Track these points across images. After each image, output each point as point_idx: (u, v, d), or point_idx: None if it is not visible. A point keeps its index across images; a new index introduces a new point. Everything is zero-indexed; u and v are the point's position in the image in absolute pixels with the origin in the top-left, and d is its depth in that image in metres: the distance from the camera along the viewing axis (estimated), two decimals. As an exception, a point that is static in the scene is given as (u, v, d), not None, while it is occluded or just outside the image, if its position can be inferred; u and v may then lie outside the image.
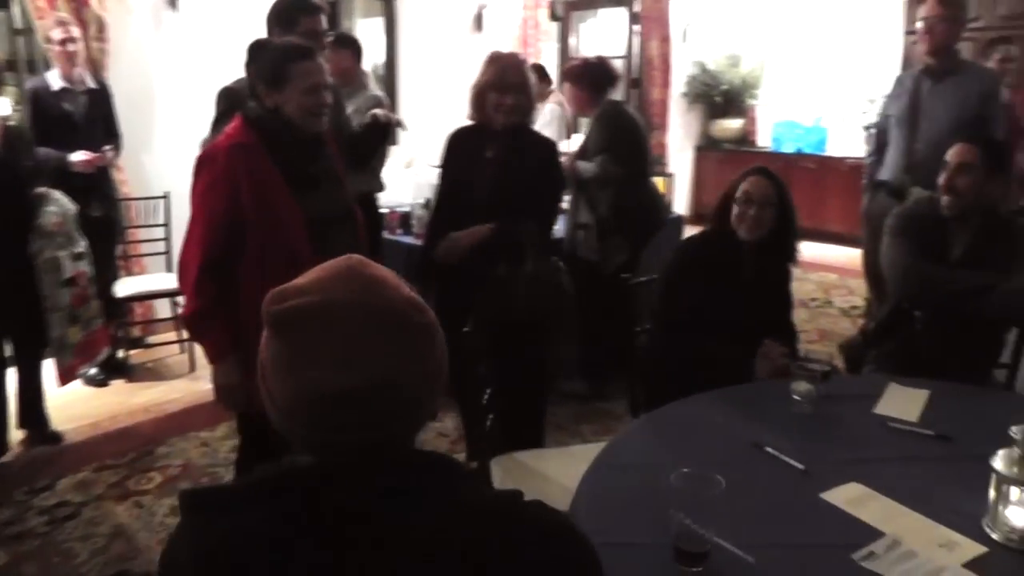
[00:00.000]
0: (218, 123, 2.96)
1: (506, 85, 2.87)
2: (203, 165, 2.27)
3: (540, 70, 5.38)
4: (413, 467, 0.93)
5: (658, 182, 4.89)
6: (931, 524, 1.58)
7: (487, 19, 6.62)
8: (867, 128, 4.20)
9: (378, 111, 2.88)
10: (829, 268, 6.86)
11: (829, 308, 5.94)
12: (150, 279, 4.70)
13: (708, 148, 9.23)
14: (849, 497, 1.68)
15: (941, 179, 2.65)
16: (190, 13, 5.11)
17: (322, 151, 2.41)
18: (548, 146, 3.10)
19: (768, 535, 1.52)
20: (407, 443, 0.96)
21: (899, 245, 2.73)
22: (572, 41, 8.22)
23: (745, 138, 9.19)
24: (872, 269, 3.99)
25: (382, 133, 2.98)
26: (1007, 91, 4.54)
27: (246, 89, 2.45)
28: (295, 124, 2.27)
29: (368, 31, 6.04)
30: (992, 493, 1.56)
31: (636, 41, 8.03)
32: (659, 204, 4.52)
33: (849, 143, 8.13)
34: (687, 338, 2.56)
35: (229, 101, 2.96)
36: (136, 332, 4.88)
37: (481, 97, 2.93)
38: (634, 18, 7.97)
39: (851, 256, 6.24)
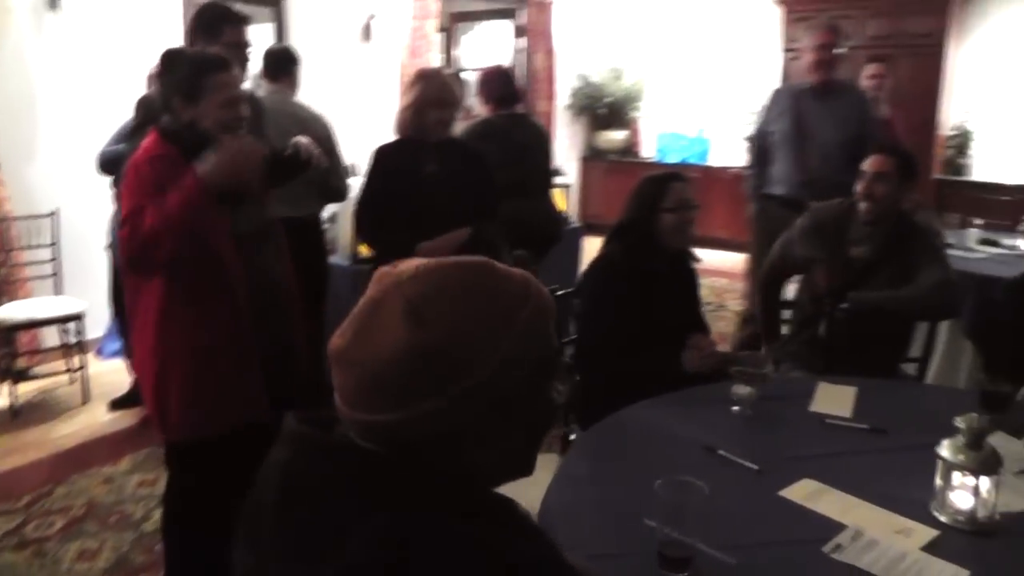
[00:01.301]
0: (135, 133, 2.97)
1: (446, 101, 3.06)
2: (130, 171, 2.24)
3: None
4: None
5: (556, 193, 5.04)
6: (885, 513, 1.72)
7: (376, 29, 6.62)
8: (748, 140, 4.45)
9: (301, 142, 2.87)
10: (718, 273, 7.17)
11: (724, 311, 6.22)
12: (37, 304, 4.46)
13: (593, 159, 9.51)
14: (805, 493, 1.81)
15: (859, 186, 2.87)
16: (73, 14, 4.87)
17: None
18: (478, 153, 3.31)
19: (740, 535, 1.62)
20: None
21: (813, 250, 2.95)
22: (456, 53, 8.31)
23: (629, 149, 9.52)
24: (755, 275, 4.22)
25: (298, 167, 2.98)
26: (886, 108, 4.92)
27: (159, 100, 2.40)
28: (212, 138, 2.24)
29: (257, 38, 5.97)
30: (939, 480, 1.71)
31: (521, 54, 8.18)
32: (555, 216, 4.66)
33: (731, 153, 8.53)
34: (621, 348, 2.66)
35: (147, 111, 2.90)
36: (22, 363, 4.61)
37: (420, 114, 3.05)
38: (519, 31, 8.13)
39: (737, 261, 6.56)
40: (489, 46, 8.43)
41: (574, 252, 5.36)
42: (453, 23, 7.68)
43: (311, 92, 4.74)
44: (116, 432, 4.01)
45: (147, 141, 2.27)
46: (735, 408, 2.25)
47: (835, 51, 4.05)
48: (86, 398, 4.41)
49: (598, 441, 2.15)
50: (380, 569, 0.87)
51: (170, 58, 2.38)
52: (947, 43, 7.44)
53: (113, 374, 4.61)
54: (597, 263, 2.87)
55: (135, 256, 2.19)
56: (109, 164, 3.88)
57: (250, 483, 1.04)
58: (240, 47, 2.91)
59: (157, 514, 3.13)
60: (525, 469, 1.07)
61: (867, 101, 4.25)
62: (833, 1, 7.76)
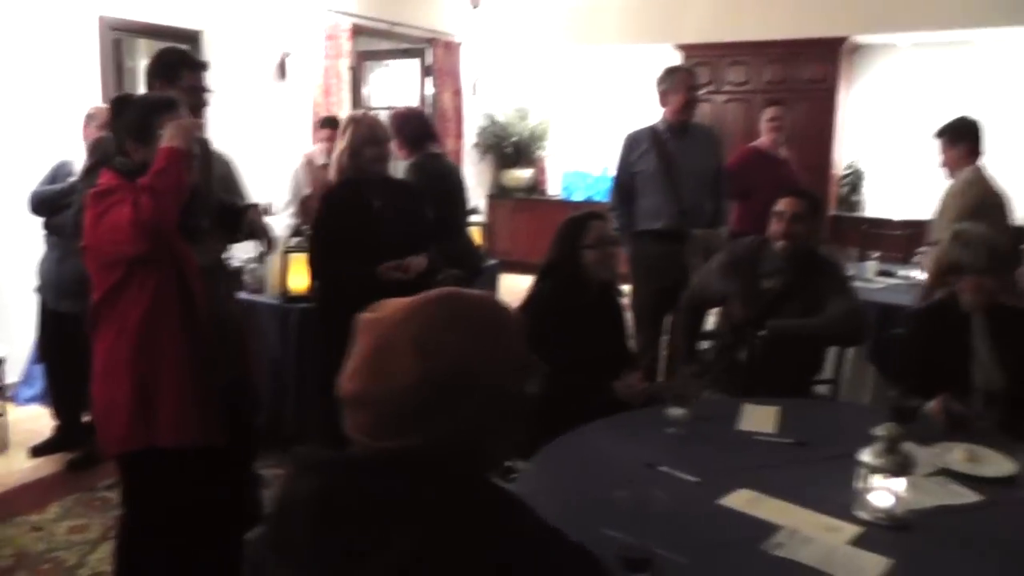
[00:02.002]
0: (87, 174, 3.07)
1: (378, 138, 3.34)
2: (91, 199, 2.34)
3: (333, 121, 5.59)
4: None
5: (474, 231, 5.26)
6: (814, 514, 1.94)
7: (290, 68, 6.73)
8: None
9: (255, 218, 3.02)
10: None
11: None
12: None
13: (500, 197, 9.78)
14: (742, 500, 2.02)
15: (776, 226, 3.18)
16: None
17: (196, 204, 2.52)
18: (416, 187, 3.72)
19: (690, 539, 1.81)
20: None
21: (729, 283, 3.22)
22: (365, 92, 8.46)
23: (535, 187, 9.84)
24: (638, 310, 4.53)
25: (242, 233, 3.11)
26: (784, 149, 5.31)
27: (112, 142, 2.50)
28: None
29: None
30: (860, 482, 1.95)
31: (429, 93, 8.39)
32: (474, 252, 4.87)
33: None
34: (556, 379, 2.85)
35: (101, 154, 2.99)
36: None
37: (356, 154, 3.31)
38: (427, 70, 8.34)
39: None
40: (397, 85, 8.61)
41: (491, 288, 5.55)
42: (361, 62, 7.83)
43: (226, 130, 4.84)
44: (40, 479, 3.94)
45: (103, 179, 2.37)
46: (670, 429, 2.46)
47: (695, 95, 4.48)
48: (5, 445, 4.32)
49: (545, 466, 2.29)
50: (421, 567, 1.06)
51: (120, 102, 2.49)
52: (838, 88, 8.02)
53: (30, 421, 4.53)
54: (528, 302, 3.06)
55: (148, 219, 2.27)
56: (43, 205, 3.90)
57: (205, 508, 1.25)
58: (198, 91, 3.02)
59: (92, 560, 3.18)
60: (522, 452, 1.30)
61: (719, 138, 4.70)
62: (729, 48, 8.29)
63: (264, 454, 3.38)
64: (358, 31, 7.29)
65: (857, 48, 8.44)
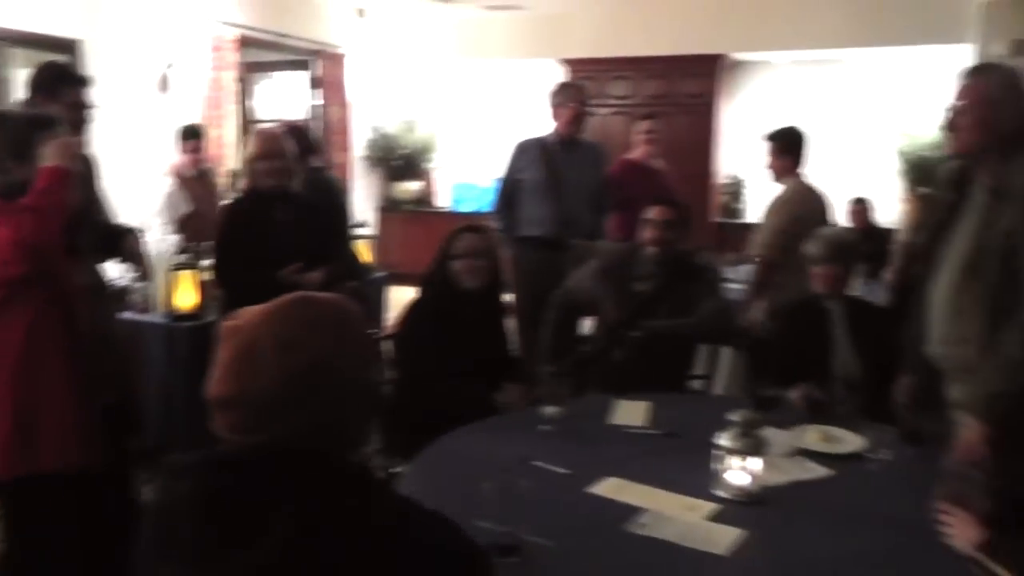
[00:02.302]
0: None
1: (270, 153, 3.50)
2: None
3: (196, 132, 5.54)
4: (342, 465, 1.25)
5: (362, 244, 5.31)
6: (676, 496, 2.06)
7: (173, 80, 6.61)
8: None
9: (133, 244, 3.05)
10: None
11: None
12: None
13: (390, 209, 9.79)
14: (609, 488, 2.12)
15: (648, 233, 3.33)
16: None
17: (79, 223, 2.49)
18: (316, 202, 3.85)
19: (557, 525, 1.90)
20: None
21: (602, 287, 3.38)
22: (251, 104, 8.39)
23: (425, 199, 9.90)
24: (519, 315, 4.62)
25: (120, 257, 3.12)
26: (660, 160, 5.51)
27: None
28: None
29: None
30: (718, 464, 2.07)
31: (316, 105, 8.37)
32: (357, 265, 4.93)
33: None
34: (435, 385, 2.93)
35: None
36: None
37: (252, 168, 3.50)
38: (314, 82, 8.32)
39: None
40: (284, 97, 8.57)
41: (379, 300, 5.58)
42: (248, 73, 7.77)
43: (110, 145, 4.75)
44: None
45: None
46: (544, 427, 2.55)
47: (585, 109, 4.67)
48: None
49: (424, 467, 2.34)
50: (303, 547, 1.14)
51: None
52: (717, 102, 8.35)
53: None
54: (409, 309, 3.17)
55: (30, 240, 2.26)
56: None
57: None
58: (80, 107, 2.98)
59: None
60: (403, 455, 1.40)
61: (605, 154, 4.91)
62: (612, 63, 8.55)
63: (153, 476, 3.34)
64: (245, 42, 7.20)
65: (736, 64, 8.81)
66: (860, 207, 6.06)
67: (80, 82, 3.05)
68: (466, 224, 3.23)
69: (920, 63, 7.73)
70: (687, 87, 8.41)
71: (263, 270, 3.35)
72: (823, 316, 3.06)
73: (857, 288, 3.35)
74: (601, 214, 4.71)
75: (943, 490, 1.89)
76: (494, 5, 8.36)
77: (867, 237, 5.68)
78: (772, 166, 4.32)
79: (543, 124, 4.72)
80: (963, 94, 2.35)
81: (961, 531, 1.78)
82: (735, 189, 8.83)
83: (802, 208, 4.10)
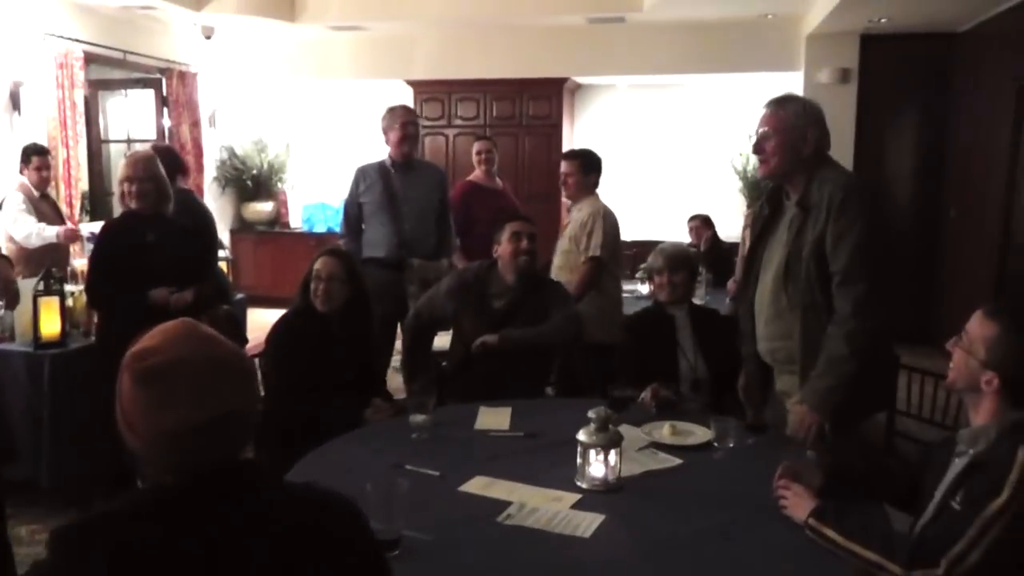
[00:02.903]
0: None
1: (134, 176, 3.65)
2: None
3: (41, 150, 5.41)
4: (245, 472, 1.29)
5: (223, 266, 5.29)
6: (541, 490, 2.24)
7: (25, 97, 6.37)
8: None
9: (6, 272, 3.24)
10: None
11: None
12: None
13: (242, 231, 9.67)
14: (479, 485, 2.29)
15: (515, 245, 3.50)
16: None
17: None
18: (188, 225, 4.06)
19: (431, 520, 2.03)
20: (241, 456, 1.31)
21: (459, 304, 3.57)
22: (102, 122, 8.14)
23: (277, 220, 9.82)
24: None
25: None
26: (497, 179, 5.74)
27: None
28: None
29: None
30: (579, 459, 2.26)
31: (167, 125, 8.21)
32: (227, 290, 4.93)
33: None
34: (304, 399, 3.02)
35: None
36: None
37: (121, 190, 3.68)
38: (163, 101, 8.15)
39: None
40: (135, 116, 8.35)
41: (241, 322, 5.54)
42: (96, 91, 7.53)
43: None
44: None
45: None
46: (414, 435, 2.69)
47: (416, 130, 4.81)
48: None
49: (305, 475, 2.36)
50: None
51: None
52: (563, 123, 8.69)
53: None
54: (277, 326, 3.28)
55: None
56: None
57: None
58: None
59: None
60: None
61: (443, 173, 5.12)
62: (457, 84, 8.78)
63: (20, 508, 3.32)
64: (90, 59, 7.00)
65: (579, 87, 9.21)
66: (697, 223, 6.43)
67: None
68: (328, 248, 3.35)
69: (756, 87, 8.31)
70: (532, 109, 8.71)
71: (136, 289, 3.52)
72: (668, 322, 3.35)
73: (701, 298, 3.66)
74: (444, 233, 4.85)
75: (780, 469, 2.14)
76: (338, 26, 8.43)
77: (708, 251, 6.07)
78: (572, 185, 4.51)
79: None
80: (765, 121, 2.72)
81: (796, 503, 2.02)
82: (582, 208, 9.19)
83: (612, 225, 4.42)
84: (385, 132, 4.73)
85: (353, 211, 4.79)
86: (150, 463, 1.25)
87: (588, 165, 4.55)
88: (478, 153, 5.67)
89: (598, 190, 4.59)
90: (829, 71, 7.48)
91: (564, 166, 4.52)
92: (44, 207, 5.32)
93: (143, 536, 1.19)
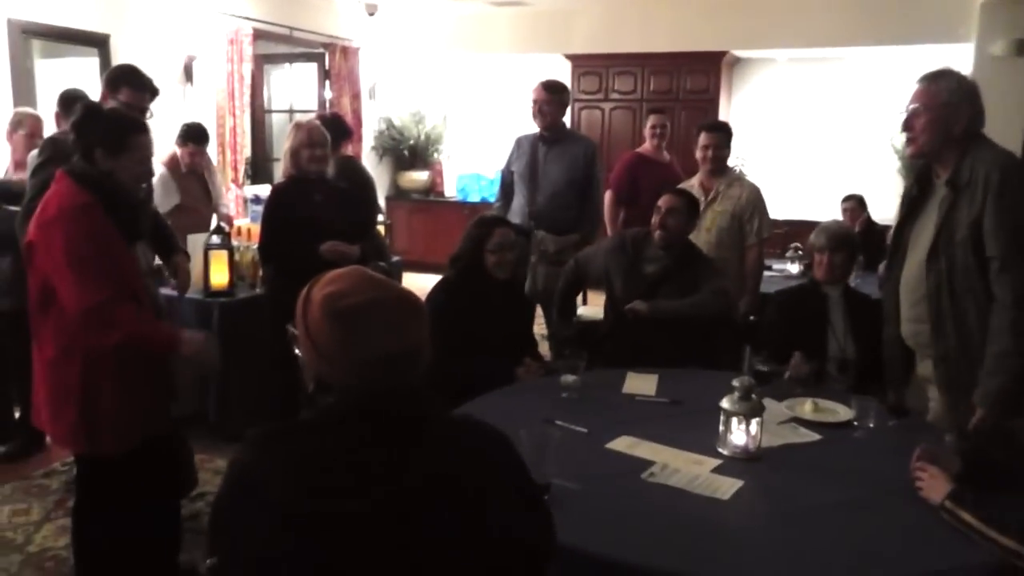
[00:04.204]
0: (40, 169, 3.31)
1: (315, 142, 3.93)
2: (60, 222, 2.51)
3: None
4: (421, 397, 1.47)
5: (382, 230, 5.58)
6: (684, 453, 2.36)
7: (197, 71, 6.92)
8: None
9: (182, 264, 3.45)
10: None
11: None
12: None
13: (398, 199, 10.10)
14: (625, 444, 2.43)
15: (655, 219, 3.62)
16: None
17: (144, 213, 2.81)
18: (349, 187, 4.36)
19: (578, 472, 2.18)
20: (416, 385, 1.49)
21: (614, 263, 3.74)
22: (266, 95, 8.65)
23: (432, 189, 10.19)
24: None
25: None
26: (666, 153, 5.79)
27: (69, 143, 2.69)
28: (125, 189, 2.65)
29: (80, 74, 6.10)
30: (721, 426, 2.37)
31: (328, 97, 8.64)
32: (385, 250, 5.21)
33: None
34: (464, 359, 3.22)
35: (54, 151, 3.24)
36: None
37: (296, 156, 3.93)
38: (325, 74, 8.59)
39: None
40: (296, 89, 8.83)
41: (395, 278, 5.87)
42: (262, 65, 8.03)
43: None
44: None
45: (63, 186, 2.56)
46: (564, 394, 2.85)
47: (555, 106, 4.83)
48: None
49: None
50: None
51: (93, 111, 2.69)
52: (720, 98, 8.62)
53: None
54: (439, 285, 3.45)
55: (92, 329, 2.52)
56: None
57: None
58: (132, 109, 3.22)
59: (38, 538, 3.48)
60: None
61: (593, 147, 5.06)
62: (615, 58, 8.83)
63: (191, 440, 3.72)
64: (258, 35, 7.50)
65: (737, 61, 9.08)
66: (852, 204, 6.30)
67: (140, 86, 3.34)
68: (494, 217, 3.57)
69: (920, 62, 7.97)
70: (690, 83, 8.67)
71: (306, 245, 3.79)
72: (822, 301, 3.38)
73: (852, 281, 3.65)
74: (584, 207, 4.88)
75: (918, 451, 2.18)
76: (498, 1, 8.62)
77: (862, 233, 5.95)
78: (721, 157, 4.48)
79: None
80: (916, 98, 2.66)
81: (933, 485, 2.06)
82: (737, 183, 9.09)
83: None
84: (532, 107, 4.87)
85: (508, 178, 4.99)
86: (338, 386, 1.44)
87: (730, 138, 4.56)
88: (652, 127, 5.73)
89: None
90: (1004, 43, 6.86)
91: (707, 138, 4.44)
92: (190, 183, 5.44)
93: (323, 447, 1.37)
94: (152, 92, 3.40)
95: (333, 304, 1.41)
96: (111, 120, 2.67)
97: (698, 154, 4.45)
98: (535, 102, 4.81)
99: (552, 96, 4.82)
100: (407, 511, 1.33)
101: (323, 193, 3.99)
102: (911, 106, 2.67)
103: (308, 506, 1.31)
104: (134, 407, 2.65)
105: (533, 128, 4.95)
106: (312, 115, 7.14)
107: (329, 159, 4.06)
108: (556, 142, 4.85)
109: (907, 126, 2.68)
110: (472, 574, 1.38)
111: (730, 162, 4.67)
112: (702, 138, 4.43)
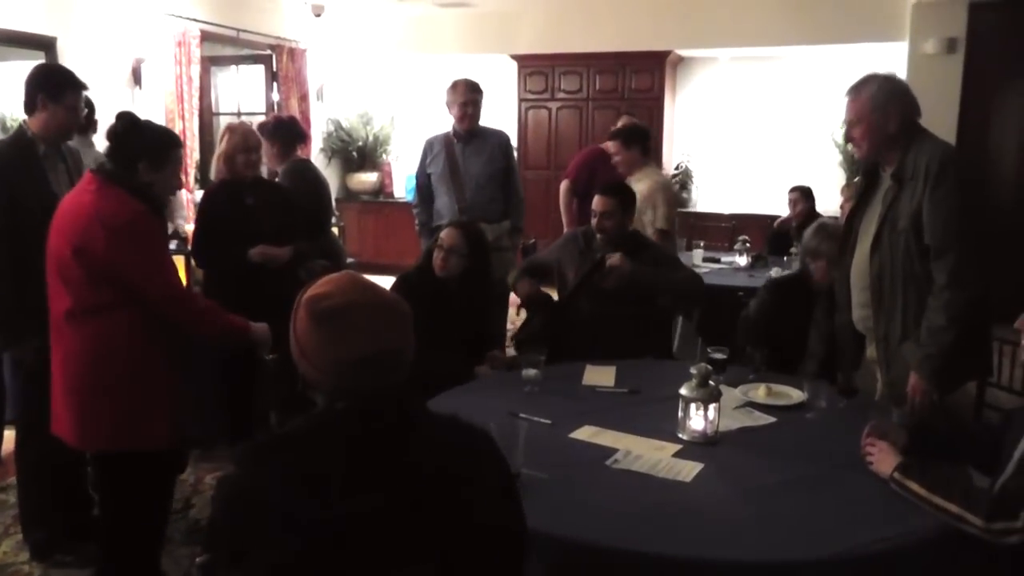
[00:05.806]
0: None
1: (250, 146, 3.91)
2: (134, 224, 2.57)
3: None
4: (404, 399, 1.50)
5: (337, 231, 5.60)
6: (645, 439, 2.44)
7: (145, 73, 6.85)
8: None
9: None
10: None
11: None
12: None
13: (347, 200, 10.07)
14: (588, 434, 2.50)
15: (593, 222, 3.71)
16: None
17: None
18: (283, 187, 4.39)
19: (545, 462, 2.24)
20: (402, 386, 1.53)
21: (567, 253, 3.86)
22: (213, 97, 8.58)
23: (381, 190, 10.20)
24: None
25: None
26: None
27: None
28: (161, 200, 2.75)
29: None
30: (680, 412, 2.45)
31: (275, 99, 8.60)
32: (340, 251, 5.23)
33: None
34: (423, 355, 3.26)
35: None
36: None
37: (231, 160, 3.90)
38: (273, 76, 8.54)
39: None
40: (244, 91, 8.78)
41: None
42: (209, 67, 7.95)
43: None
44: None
45: (117, 192, 2.58)
46: (526, 388, 2.91)
47: (474, 107, 4.93)
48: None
49: None
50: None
51: (133, 124, 2.69)
52: (664, 96, 8.76)
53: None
54: (399, 281, 3.50)
55: (181, 316, 2.69)
56: None
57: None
58: (77, 111, 3.24)
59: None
60: None
61: (506, 138, 5.15)
62: (561, 58, 8.92)
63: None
64: (205, 37, 7.43)
65: (681, 60, 9.23)
66: (796, 195, 6.43)
67: (81, 87, 3.26)
68: (460, 220, 3.60)
69: (856, 60, 8.19)
70: (635, 82, 8.80)
71: (235, 248, 3.83)
72: (812, 299, 3.49)
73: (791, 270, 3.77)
74: (509, 197, 4.99)
75: (868, 427, 2.28)
76: (444, 2, 8.66)
77: (800, 225, 6.09)
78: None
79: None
80: (848, 111, 2.84)
81: (882, 458, 2.16)
82: (683, 179, 9.23)
83: (674, 191, 4.73)
84: (448, 107, 4.94)
85: (423, 181, 5.05)
86: (323, 389, 1.48)
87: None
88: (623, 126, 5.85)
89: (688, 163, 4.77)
90: (935, 41, 7.18)
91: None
92: None
93: (316, 452, 1.40)
94: (86, 88, 3.33)
95: (315, 305, 1.45)
96: (155, 133, 2.75)
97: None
98: (463, 104, 4.86)
99: (478, 97, 4.94)
100: (406, 507, 1.37)
101: (255, 196, 3.99)
102: (847, 119, 2.84)
103: (311, 512, 1.33)
104: (184, 400, 2.77)
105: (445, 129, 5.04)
106: (260, 118, 7.14)
107: (262, 162, 4.11)
108: (472, 139, 4.93)
109: (848, 138, 2.87)
110: (468, 563, 1.43)
111: (676, 158, 4.84)
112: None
